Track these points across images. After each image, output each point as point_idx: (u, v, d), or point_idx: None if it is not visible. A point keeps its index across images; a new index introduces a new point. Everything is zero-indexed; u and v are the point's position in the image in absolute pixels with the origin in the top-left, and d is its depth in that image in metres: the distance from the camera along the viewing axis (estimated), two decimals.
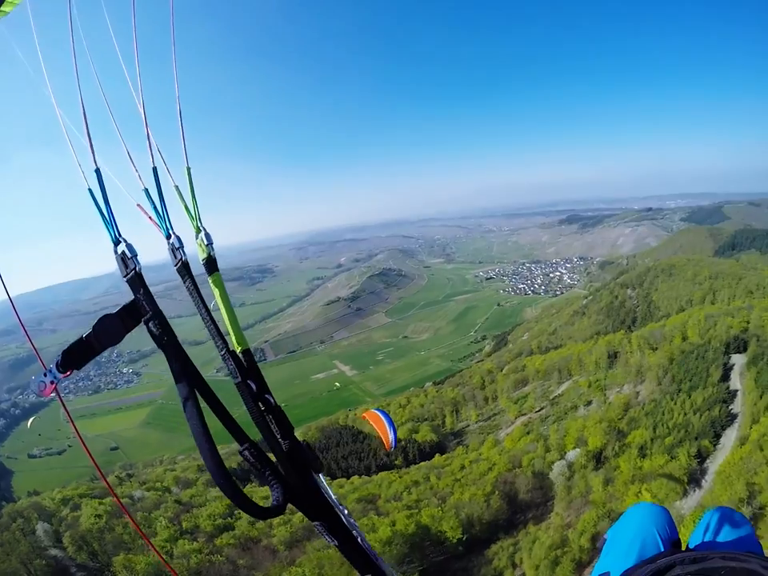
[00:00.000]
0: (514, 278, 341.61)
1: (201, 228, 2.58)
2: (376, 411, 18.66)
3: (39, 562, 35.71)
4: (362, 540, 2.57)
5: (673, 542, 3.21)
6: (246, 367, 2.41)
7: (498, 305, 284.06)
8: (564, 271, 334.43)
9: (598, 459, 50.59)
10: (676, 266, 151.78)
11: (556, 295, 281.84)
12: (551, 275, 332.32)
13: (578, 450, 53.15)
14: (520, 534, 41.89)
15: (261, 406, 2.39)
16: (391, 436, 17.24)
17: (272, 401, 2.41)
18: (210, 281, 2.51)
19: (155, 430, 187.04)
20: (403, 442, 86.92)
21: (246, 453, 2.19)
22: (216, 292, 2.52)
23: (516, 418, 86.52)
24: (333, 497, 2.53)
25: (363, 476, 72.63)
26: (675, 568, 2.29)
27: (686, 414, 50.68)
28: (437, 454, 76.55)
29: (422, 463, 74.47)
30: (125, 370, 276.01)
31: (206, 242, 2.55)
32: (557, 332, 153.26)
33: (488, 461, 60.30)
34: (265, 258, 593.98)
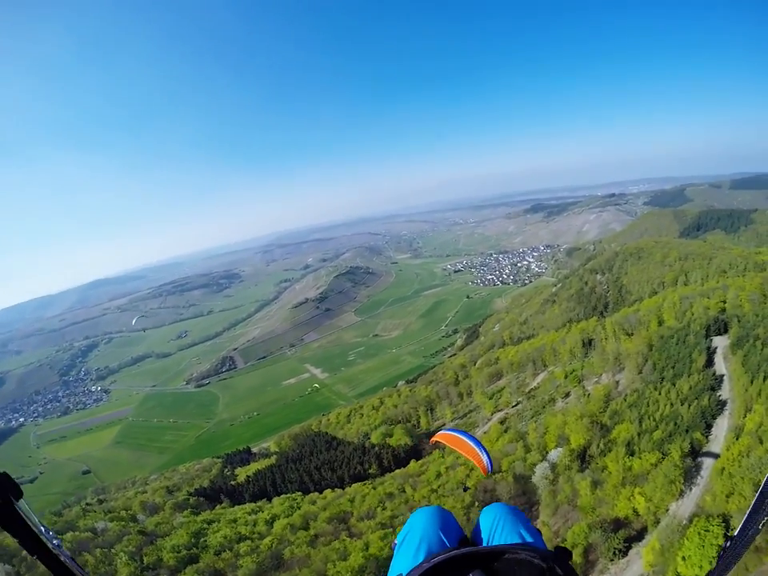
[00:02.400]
0: (482, 270, 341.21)
1: None
2: (454, 432, 14.29)
3: None
4: (73, 564, 2.62)
5: (460, 540, 3.58)
6: None
7: (468, 297, 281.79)
8: (531, 260, 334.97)
9: (582, 458, 47.06)
10: (644, 249, 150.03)
11: (525, 284, 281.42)
12: (519, 265, 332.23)
13: (560, 449, 49.64)
14: None
15: None
16: (485, 459, 13.19)
17: None
18: None
19: (126, 449, 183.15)
20: (377, 448, 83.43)
21: None
22: None
23: (492, 414, 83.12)
24: (38, 526, 2.56)
25: (336, 488, 68.90)
26: (452, 559, 2.66)
27: (672, 405, 47.31)
28: (412, 460, 72.93)
29: (397, 471, 70.80)
30: (93, 389, 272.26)
31: None
32: (528, 321, 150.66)
33: (465, 466, 56.72)
34: (231, 262, 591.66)
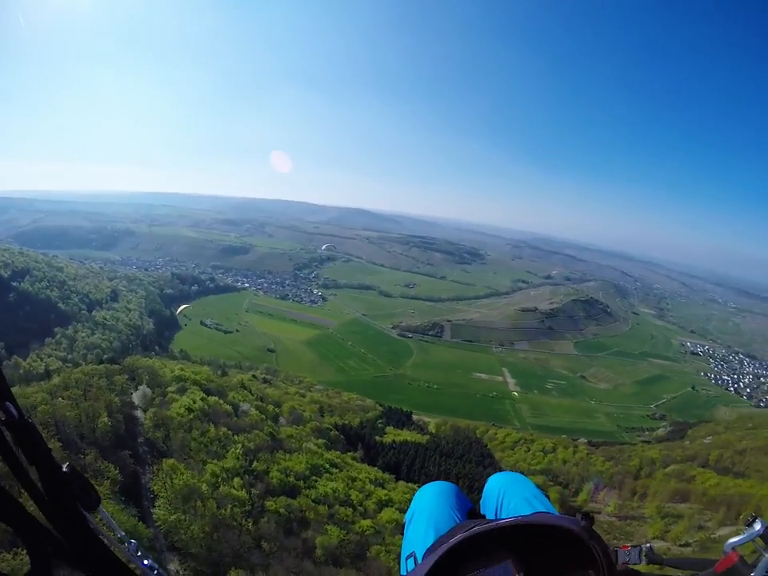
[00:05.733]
0: (721, 365, 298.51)
1: None
2: None
3: (102, 420, 32.79)
4: None
5: (468, 512, 3.53)
6: None
7: (693, 388, 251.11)
8: None
9: None
10: None
11: (759, 406, 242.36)
12: (762, 379, 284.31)
13: None
14: None
15: None
16: None
17: (14, 412, 1.58)
18: None
19: (313, 352, 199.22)
20: None
21: None
22: None
23: (654, 538, 75.85)
24: (121, 541, 1.94)
25: None
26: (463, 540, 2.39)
27: None
28: None
29: None
30: (315, 291, 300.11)
31: None
32: (744, 454, 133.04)
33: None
34: (480, 242, 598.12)
